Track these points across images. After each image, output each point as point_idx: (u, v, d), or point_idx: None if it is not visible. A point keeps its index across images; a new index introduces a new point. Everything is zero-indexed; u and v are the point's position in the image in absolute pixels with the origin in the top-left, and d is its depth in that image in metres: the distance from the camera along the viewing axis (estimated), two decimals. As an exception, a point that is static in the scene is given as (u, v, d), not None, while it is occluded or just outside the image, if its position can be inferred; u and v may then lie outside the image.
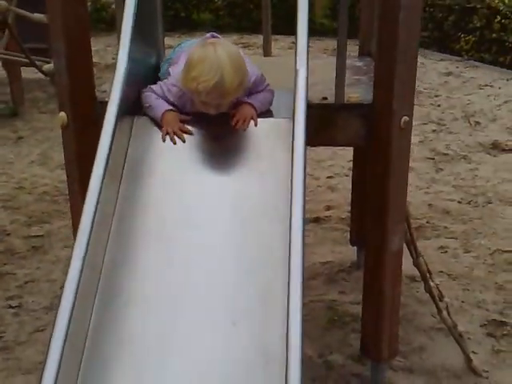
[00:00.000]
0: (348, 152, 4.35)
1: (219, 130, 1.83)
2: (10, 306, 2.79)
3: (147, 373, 1.36)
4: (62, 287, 2.94)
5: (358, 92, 2.14)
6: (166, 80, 1.93)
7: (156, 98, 1.87)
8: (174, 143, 1.79)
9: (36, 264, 3.16)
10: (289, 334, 1.25)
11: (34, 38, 5.18)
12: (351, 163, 4.05)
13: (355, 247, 3.13)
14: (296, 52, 1.73)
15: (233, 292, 1.48)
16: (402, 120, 1.97)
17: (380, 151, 2.02)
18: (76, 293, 1.34)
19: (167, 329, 1.43)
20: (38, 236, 3.44)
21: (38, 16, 3.02)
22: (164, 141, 1.79)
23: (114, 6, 10.13)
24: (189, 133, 1.81)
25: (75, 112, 1.99)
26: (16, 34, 3.50)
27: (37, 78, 6.55)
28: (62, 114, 2.00)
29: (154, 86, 1.88)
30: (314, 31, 8.81)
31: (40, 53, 5.24)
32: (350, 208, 3.36)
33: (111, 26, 8.48)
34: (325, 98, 2.08)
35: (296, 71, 1.71)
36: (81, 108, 2.00)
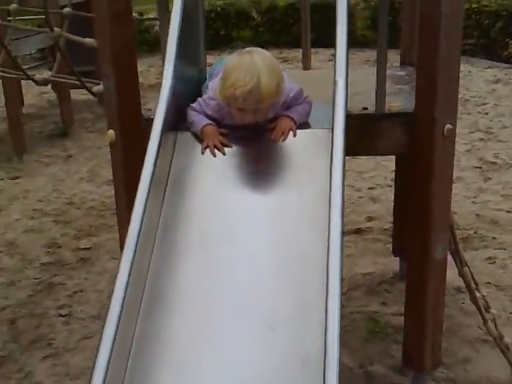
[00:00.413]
0: (390, 163, 4.32)
1: (258, 141, 1.86)
2: (60, 315, 2.89)
3: (188, 377, 1.40)
4: (109, 296, 3.04)
5: (400, 101, 2.15)
6: (204, 95, 1.98)
7: (196, 114, 1.91)
8: (214, 156, 1.82)
9: (84, 275, 3.27)
10: (327, 337, 1.27)
11: (80, 61, 5.41)
12: (393, 174, 4.06)
13: (398, 258, 3.10)
14: (335, 62, 1.75)
15: (271, 301, 1.50)
16: (446, 128, 1.95)
17: (422, 159, 2.01)
18: (123, 301, 1.39)
19: (207, 335, 1.46)
20: (86, 248, 3.56)
21: (88, 41, 3.15)
22: (203, 153, 1.82)
23: (157, 28, 10.47)
24: (228, 146, 1.84)
25: (123, 129, 2.07)
26: (68, 58, 3.65)
27: (85, 100, 6.80)
28: (111, 131, 2.08)
29: (194, 104, 1.93)
30: (355, 43, 8.86)
31: (86, 75, 5.44)
32: (392, 219, 3.34)
33: (154, 47, 8.71)
34: (365, 108, 2.09)
35: (335, 82, 1.73)
36: (128, 126, 2.08)
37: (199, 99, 1.95)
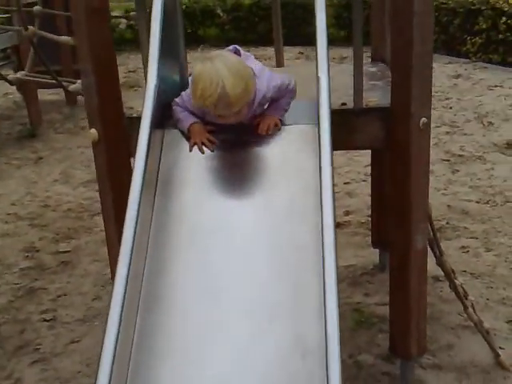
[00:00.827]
0: (364, 158, 4.41)
1: (245, 137, 1.90)
2: (45, 320, 2.87)
3: (190, 368, 1.43)
4: (95, 298, 3.02)
5: (375, 96, 2.21)
6: (187, 90, 1.97)
7: (181, 110, 1.94)
8: (202, 153, 1.86)
9: (66, 278, 3.25)
10: (326, 323, 1.32)
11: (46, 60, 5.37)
12: (367, 168, 4.14)
13: (377, 250, 3.18)
14: (317, 59, 1.80)
15: (267, 293, 1.54)
16: (421, 121, 2.03)
17: (400, 153, 2.08)
18: (124, 298, 1.40)
19: (206, 328, 1.49)
20: (66, 252, 3.53)
21: (64, 38, 3.14)
22: (191, 151, 1.86)
23: (121, 27, 10.31)
24: (215, 143, 1.88)
25: (105, 128, 2.07)
26: (43, 57, 3.62)
27: (52, 100, 6.73)
28: (93, 130, 2.08)
29: (177, 99, 1.96)
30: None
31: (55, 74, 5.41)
32: (369, 212, 3.42)
33: (120, 45, 8.66)
34: (344, 104, 2.15)
35: (318, 78, 1.77)
36: (110, 124, 2.08)
37: (182, 93, 1.97)
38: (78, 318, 2.88)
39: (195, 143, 1.89)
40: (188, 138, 1.91)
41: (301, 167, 1.81)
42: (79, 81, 4.91)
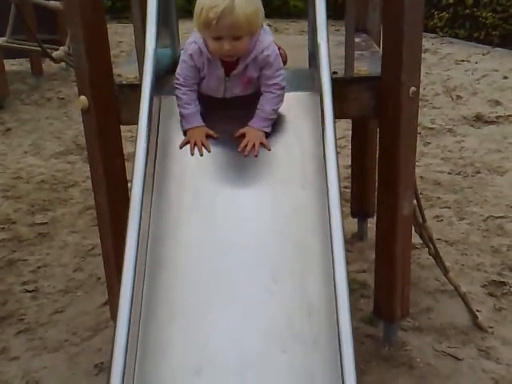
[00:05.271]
0: (338, 130, 4.45)
1: (242, 112, 1.86)
2: (27, 291, 2.84)
3: (198, 329, 1.46)
4: (77, 269, 2.98)
5: (363, 66, 2.24)
6: (181, 63, 1.89)
7: (186, 102, 1.84)
8: (201, 155, 1.78)
9: (45, 250, 3.20)
10: (336, 283, 1.36)
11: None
12: (342, 140, 4.20)
13: (356, 219, 3.25)
14: (316, 27, 1.81)
15: (272, 254, 1.57)
16: (411, 90, 2.07)
17: (390, 121, 2.12)
18: (135, 263, 1.41)
19: (212, 291, 1.52)
20: (43, 223, 3.48)
21: (53, 3, 3.04)
22: (193, 154, 1.78)
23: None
24: (208, 150, 1.79)
25: (96, 95, 2.04)
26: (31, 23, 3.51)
27: (16, 70, 6.51)
28: (83, 97, 2.04)
29: (179, 69, 1.88)
30: (287, 14, 8.86)
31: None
32: (345, 184, 3.47)
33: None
34: (335, 73, 2.17)
35: (318, 45, 1.79)
36: (101, 91, 2.05)
37: (181, 53, 1.91)
38: (60, 288, 2.86)
39: (195, 143, 1.80)
40: (184, 134, 1.84)
41: (300, 133, 1.83)
42: (62, 47, 4.80)
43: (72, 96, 5.57)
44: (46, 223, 3.48)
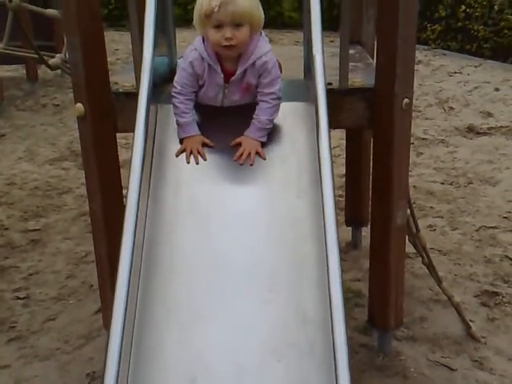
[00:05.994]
0: (333, 139, 4.46)
1: (239, 120, 1.87)
2: (18, 298, 2.82)
3: (191, 339, 1.45)
4: (69, 276, 2.97)
5: (357, 77, 2.26)
6: (180, 72, 1.90)
7: (184, 110, 1.85)
8: (188, 162, 1.79)
9: (37, 257, 3.19)
10: (331, 292, 1.36)
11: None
12: (336, 149, 4.22)
13: (350, 228, 3.26)
14: (311, 39, 1.82)
15: (267, 263, 1.58)
16: (404, 102, 2.09)
17: (384, 131, 2.14)
18: (130, 270, 1.41)
19: (207, 295, 1.52)
20: (35, 230, 3.46)
21: (50, 11, 3.04)
22: (188, 162, 1.78)
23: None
24: (204, 158, 1.80)
25: (92, 103, 2.04)
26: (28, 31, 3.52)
27: (11, 76, 6.51)
28: (79, 105, 2.05)
29: (177, 77, 1.88)
30: (282, 24, 8.87)
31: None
32: (340, 192, 3.48)
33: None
34: (330, 84, 2.18)
35: (313, 57, 1.80)
36: (97, 99, 2.05)
37: (179, 61, 1.93)
38: (52, 296, 2.84)
39: (191, 152, 1.80)
40: (181, 142, 1.84)
41: (296, 145, 1.84)
42: (58, 55, 4.80)
43: (67, 102, 5.57)
44: (38, 230, 3.47)
